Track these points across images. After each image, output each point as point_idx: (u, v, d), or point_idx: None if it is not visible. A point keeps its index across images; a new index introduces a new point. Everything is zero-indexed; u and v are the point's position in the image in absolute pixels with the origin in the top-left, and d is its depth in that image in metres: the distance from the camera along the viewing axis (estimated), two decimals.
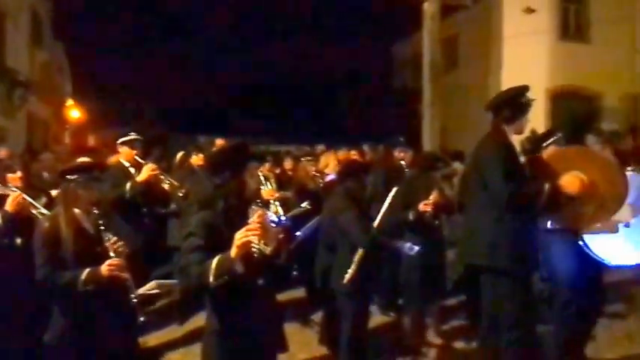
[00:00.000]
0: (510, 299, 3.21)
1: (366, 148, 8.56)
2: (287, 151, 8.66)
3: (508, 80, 13.49)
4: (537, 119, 12.88)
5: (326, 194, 4.82)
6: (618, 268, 3.94)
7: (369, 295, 4.01)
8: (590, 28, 14.10)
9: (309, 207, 4.89)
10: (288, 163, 7.32)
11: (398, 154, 7.11)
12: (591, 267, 3.68)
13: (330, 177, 5.33)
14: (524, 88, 3.42)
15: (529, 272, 3.35)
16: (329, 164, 5.60)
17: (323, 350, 4.49)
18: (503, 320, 3.23)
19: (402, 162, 6.57)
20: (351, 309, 3.77)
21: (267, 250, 2.27)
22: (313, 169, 5.90)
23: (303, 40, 19.55)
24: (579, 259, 3.63)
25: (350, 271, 3.59)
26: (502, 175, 3.15)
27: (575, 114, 13.43)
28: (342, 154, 7.79)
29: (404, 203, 4.30)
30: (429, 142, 10.66)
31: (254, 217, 2.28)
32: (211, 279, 2.18)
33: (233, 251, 2.19)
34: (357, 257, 3.60)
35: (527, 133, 10.49)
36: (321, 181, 5.44)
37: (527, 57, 13.37)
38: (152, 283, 2.88)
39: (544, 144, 4.02)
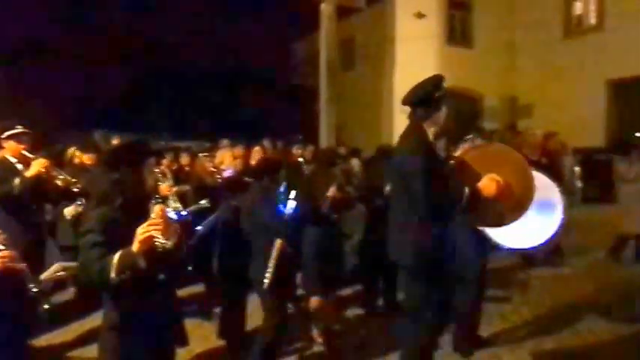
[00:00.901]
0: (428, 298, 3.26)
1: (266, 144, 8.69)
2: (187, 147, 8.54)
3: (401, 81, 14.28)
4: None
5: (225, 189, 4.90)
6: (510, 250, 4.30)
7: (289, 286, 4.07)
8: (473, 34, 15.24)
9: (208, 205, 4.94)
10: (185, 159, 7.28)
11: (296, 150, 7.33)
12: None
13: (228, 172, 5.38)
14: (439, 80, 3.31)
15: (446, 272, 3.37)
16: (224, 160, 5.65)
17: (222, 343, 4.57)
18: (419, 317, 3.30)
19: (301, 159, 6.78)
20: (268, 302, 3.86)
21: (169, 244, 2.29)
22: (210, 164, 5.94)
23: (202, 35, 19.07)
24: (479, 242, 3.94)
25: (270, 265, 3.66)
26: (423, 176, 3.10)
27: (460, 113, 14.50)
28: (238, 150, 7.87)
29: (304, 198, 4.39)
30: (325, 139, 11.01)
31: (154, 212, 2.31)
32: (113, 275, 2.19)
33: (135, 246, 2.21)
34: (275, 248, 3.70)
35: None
36: (218, 176, 5.48)
37: (418, 59, 14.18)
38: (56, 266, 2.83)
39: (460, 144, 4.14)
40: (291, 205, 3.78)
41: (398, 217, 3.33)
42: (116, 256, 2.21)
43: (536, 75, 14.41)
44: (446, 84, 3.31)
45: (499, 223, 3.46)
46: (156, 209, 2.34)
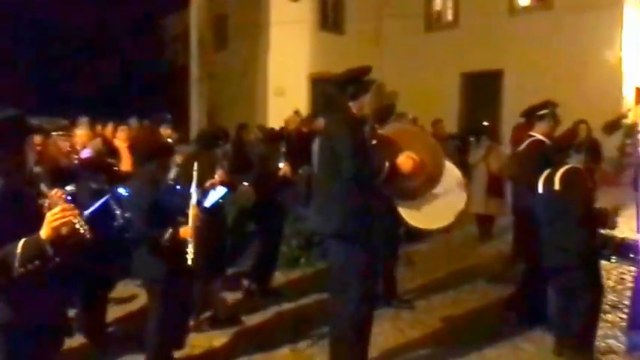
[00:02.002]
0: (358, 265, 3.42)
1: (133, 123, 8.20)
2: (39, 125, 7.71)
3: (275, 63, 14.30)
4: (301, 101, 13.99)
5: (83, 171, 4.52)
6: None
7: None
8: (345, 21, 15.67)
9: (74, 190, 4.53)
10: (36, 139, 6.57)
11: (164, 130, 6.99)
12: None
13: (85, 153, 4.98)
14: (368, 69, 3.57)
15: (372, 240, 3.56)
16: (83, 140, 5.21)
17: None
18: (353, 288, 3.41)
19: (169, 139, 6.48)
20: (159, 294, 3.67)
21: (87, 230, 2.12)
22: (67, 144, 5.44)
23: (64, 7, 17.31)
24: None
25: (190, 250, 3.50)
26: (351, 150, 3.29)
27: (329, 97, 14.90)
28: (109, 129, 7.33)
29: (186, 181, 4.17)
30: (196, 119, 10.70)
31: (55, 196, 2.18)
32: (17, 264, 1.99)
33: (45, 233, 2.05)
34: (166, 237, 3.49)
35: (291, 113, 11.20)
36: (76, 157, 5.02)
37: (292, 43, 14.30)
38: None
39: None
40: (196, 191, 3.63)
41: (325, 191, 3.50)
42: (19, 245, 2.01)
43: (402, 64, 15.22)
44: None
45: (412, 196, 3.71)
46: (56, 194, 2.20)
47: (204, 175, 4.38)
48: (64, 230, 2.09)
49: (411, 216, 3.80)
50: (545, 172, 4.05)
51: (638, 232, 4.64)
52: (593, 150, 4.39)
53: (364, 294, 3.44)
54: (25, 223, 2.11)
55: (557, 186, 3.86)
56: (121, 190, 4.22)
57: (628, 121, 11.48)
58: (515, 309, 4.68)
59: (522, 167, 4.64)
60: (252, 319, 4.77)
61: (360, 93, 3.50)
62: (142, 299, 4.93)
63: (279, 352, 4.14)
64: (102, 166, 4.78)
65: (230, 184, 4.65)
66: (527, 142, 4.66)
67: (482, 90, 14.41)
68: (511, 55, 13.15)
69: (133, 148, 6.65)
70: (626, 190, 5.44)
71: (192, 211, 3.53)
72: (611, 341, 4.31)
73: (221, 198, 4.40)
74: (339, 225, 3.41)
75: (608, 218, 3.88)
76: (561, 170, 3.90)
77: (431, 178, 3.65)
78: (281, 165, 5.30)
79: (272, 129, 7.82)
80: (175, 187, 3.73)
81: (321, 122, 8.41)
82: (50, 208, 2.15)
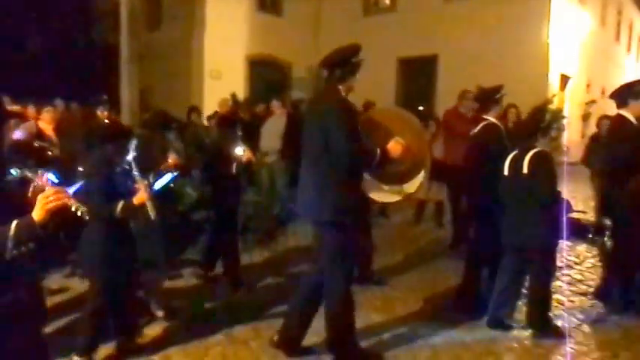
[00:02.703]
0: (346, 250, 3.46)
1: (58, 104, 7.81)
2: None
3: (210, 45, 13.96)
4: (238, 83, 13.78)
5: (14, 154, 4.28)
6: None
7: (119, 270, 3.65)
8: (283, 3, 15.51)
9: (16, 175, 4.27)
10: None
11: (101, 112, 6.71)
12: None
13: (18, 135, 4.71)
14: (357, 48, 3.46)
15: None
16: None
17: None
18: (341, 268, 3.46)
19: (106, 121, 6.25)
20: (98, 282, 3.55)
21: (85, 212, 2.21)
22: None
23: None
24: None
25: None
26: (347, 137, 3.24)
27: (269, 81, 14.76)
28: (30, 110, 6.94)
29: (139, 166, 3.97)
30: (127, 101, 10.32)
31: (40, 179, 2.21)
32: (10, 246, 1.99)
33: (39, 215, 2.06)
34: (119, 209, 3.38)
35: (228, 96, 11.02)
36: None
37: (230, 23, 14.00)
38: None
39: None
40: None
41: (317, 178, 3.41)
42: (12, 228, 2.02)
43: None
44: (360, 55, 3.49)
45: (400, 182, 3.73)
46: (40, 177, 2.22)
47: (157, 159, 4.28)
48: (67, 212, 2.15)
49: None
50: (511, 155, 4.13)
51: (596, 214, 4.94)
52: None
53: (350, 271, 3.59)
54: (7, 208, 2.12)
55: (525, 170, 3.95)
56: (51, 176, 4.04)
57: (553, 106, 12.16)
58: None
59: (478, 151, 4.65)
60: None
61: (349, 75, 3.44)
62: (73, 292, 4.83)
63: (214, 339, 4.09)
64: (32, 150, 4.53)
65: (183, 169, 4.53)
66: (481, 125, 4.70)
67: (417, 75, 14.74)
68: (445, 40, 13.52)
69: (59, 130, 6.35)
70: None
71: (140, 185, 3.49)
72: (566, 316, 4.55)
73: (170, 182, 4.30)
74: (334, 212, 3.38)
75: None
76: (530, 154, 3.97)
77: (416, 162, 3.67)
78: (239, 150, 5.17)
79: (227, 113, 7.56)
80: (131, 171, 3.62)
81: (261, 108, 8.39)
82: (35, 191, 2.16)
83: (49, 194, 2.09)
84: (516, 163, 4.05)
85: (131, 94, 10.19)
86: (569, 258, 6.10)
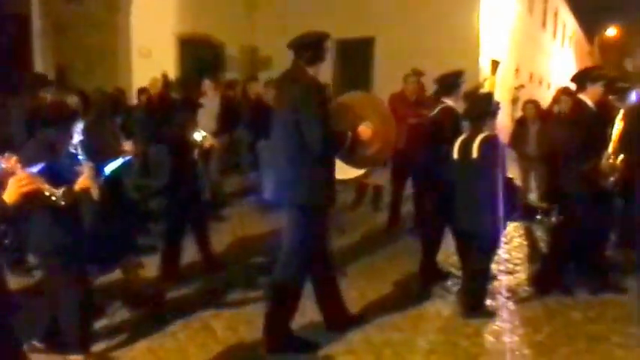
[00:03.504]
0: (314, 233, 3.54)
1: None
2: None
3: (138, 20, 13.35)
4: (168, 62, 13.33)
5: None
6: None
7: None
8: None
9: None
10: None
11: (43, 95, 6.31)
12: None
13: None
14: (326, 35, 3.58)
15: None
16: None
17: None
18: (300, 254, 3.54)
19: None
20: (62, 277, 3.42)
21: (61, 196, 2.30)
22: None
23: None
24: None
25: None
26: (320, 120, 3.29)
27: (201, 60, 14.36)
28: None
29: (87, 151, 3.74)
30: None
31: (10, 162, 2.20)
32: None
33: (11, 197, 2.10)
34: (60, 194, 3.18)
35: (158, 76, 10.67)
36: None
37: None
38: None
39: None
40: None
41: (287, 160, 3.44)
42: None
43: (276, 28, 15.07)
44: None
45: (369, 164, 3.90)
46: (9, 159, 2.21)
47: (109, 144, 4.14)
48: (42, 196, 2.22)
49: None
50: (460, 139, 4.23)
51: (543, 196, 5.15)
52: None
53: (308, 260, 3.61)
54: None
55: (474, 154, 4.05)
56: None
57: (484, 90, 12.62)
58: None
59: (438, 132, 4.77)
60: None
61: (317, 59, 3.51)
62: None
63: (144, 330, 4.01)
64: None
65: (138, 155, 4.38)
66: (439, 108, 4.87)
67: (354, 57, 14.82)
68: (382, 23, 13.64)
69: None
70: None
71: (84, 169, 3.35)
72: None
73: (121, 167, 4.14)
74: (309, 195, 3.43)
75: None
76: (479, 138, 4.07)
77: (384, 145, 3.79)
78: (199, 135, 4.98)
79: (188, 95, 7.21)
80: (76, 156, 3.45)
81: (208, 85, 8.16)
82: (4, 174, 2.18)
83: (22, 177, 2.13)
84: (465, 147, 4.15)
85: (46, 71, 9.52)
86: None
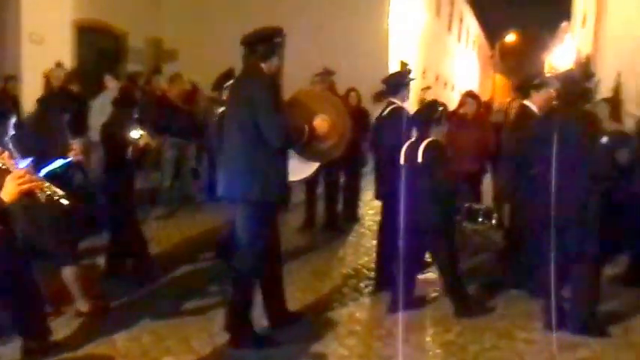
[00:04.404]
0: (266, 228, 3.64)
1: None
2: None
3: (29, 2, 12.46)
4: (63, 51, 12.56)
5: None
6: None
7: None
8: None
9: None
10: None
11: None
12: None
13: None
14: (280, 30, 3.65)
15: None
16: None
17: None
18: (254, 248, 3.59)
19: None
20: None
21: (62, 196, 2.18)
22: None
23: None
24: None
25: None
26: (276, 116, 3.38)
27: (101, 50, 13.68)
28: None
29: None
30: None
31: (4, 158, 2.17)
32: None
33: (9, 195, 2.07)
34: None
35: (53, 65, 10.06)
36: None
37: None
38: None
39: None
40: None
41: (243, 157, 3.50)
42: None
43: (182, 18, 14.66)
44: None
45: (324, 158, 4.02)
46: (2, 155, 2.18)
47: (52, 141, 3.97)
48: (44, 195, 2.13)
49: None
50: (406, 144, 4.34)
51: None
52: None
53: (263, 253, 3.67)
54: None
55: (420, 158, 4.17)
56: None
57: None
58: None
59: (388, 132, 4.85)
60: None
61: (271, 54, 3.57)
62: None
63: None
64: None
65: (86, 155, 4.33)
66: (389, 108, 4.93)
67: None
68: (287, 16, 13.56)
69: None
70: None
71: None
72: None
73: (60, 168, 3.85)
74: (263, 191, 3.49)
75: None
76: (424, 143, 4.19)
77: (340, 138, 3.90)
78: (136, 133, 4.74)
79: (126, 90, 6.75)
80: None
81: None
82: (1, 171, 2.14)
83: (20, 175, 2.08)
84: (411, 152, 4.27)
85: None
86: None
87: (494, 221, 5.27)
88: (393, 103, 4.97)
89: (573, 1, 15.39)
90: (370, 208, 7.79)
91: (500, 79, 40.29)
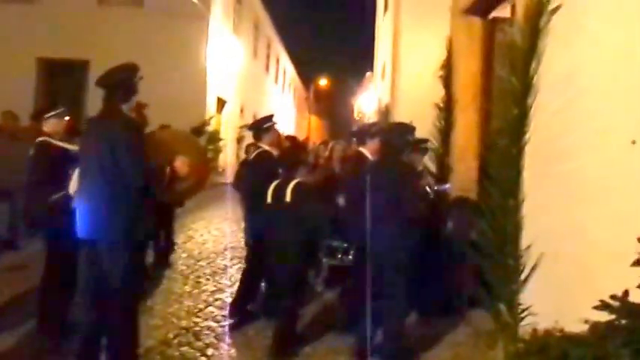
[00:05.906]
0: (131, 269, 3.57)
1: None
2: None
3: None
4: None
5: None
6: None
7: None
8: None
9: None
10: None
11: None
12: None
13: None
14: (136, 68, 3.69)
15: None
16: None
17: None
18: (124, 289, 3.55)
19: None
20: None
21: None
22: None
23: None
24: None
25: None
26: (138, 158, 3.44)
27: None
28: None
29: None
30: None
31: None
32: None
33: None
34: None
35: None
36: None
37: None
38: None
39: None
40: None
41: (103, 198, 3.48)
42: None
43: None
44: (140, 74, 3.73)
45: (184, 198, 4.28)
46: None
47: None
48: None
49: None
50: (274, 184, 4.53)
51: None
52: None
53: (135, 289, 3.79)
54: None
55: (288, 198, 4.38)
56: None
57: (210, 128, 12.96)
58: None
59: (255, 176, 5.05)
60: None
61: (130, 95, 3.66)
62: None
63: None
64: None
65: None
66: (256, 152, 5.20)
67: (64, 80, 13.67)
68: (99, 46, 12.73)
69: None
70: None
71: None
72: None
73: None
74: (127, 232, 3.49)
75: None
76: (292, 184, 4.43)
77: (199, 180, 4.09)
78: None
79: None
80: None
81: None
82: None
83: None
84: (279, 192, 4.46)
85: None
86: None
87: (350, 257, 5.53)
88: (260, 147, 5.26)
89: (375, 54, 17.00)
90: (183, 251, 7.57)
91: (315, 120, 42.76)
